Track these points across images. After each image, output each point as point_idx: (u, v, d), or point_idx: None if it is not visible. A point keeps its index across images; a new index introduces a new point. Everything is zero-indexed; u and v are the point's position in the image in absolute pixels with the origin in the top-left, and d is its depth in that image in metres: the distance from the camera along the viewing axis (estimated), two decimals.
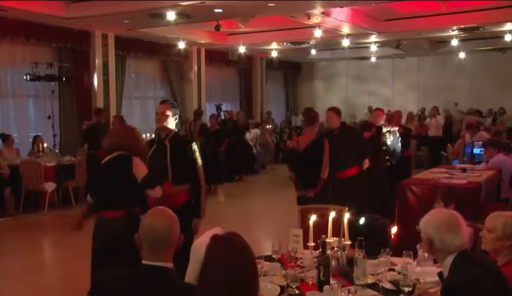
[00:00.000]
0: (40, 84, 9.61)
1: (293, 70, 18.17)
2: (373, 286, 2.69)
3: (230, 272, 1.70)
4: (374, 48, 13.75)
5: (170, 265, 2.09)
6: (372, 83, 17.24)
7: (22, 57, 9.56)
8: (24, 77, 9.13)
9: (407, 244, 3.16)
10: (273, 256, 3.12)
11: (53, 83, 9.68)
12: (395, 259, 3.02)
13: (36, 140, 9.22)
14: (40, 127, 9.97)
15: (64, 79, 9.77)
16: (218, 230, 2.62)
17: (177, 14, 8.38)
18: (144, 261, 2.06)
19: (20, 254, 6.16)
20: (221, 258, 1.72)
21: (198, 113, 10.72)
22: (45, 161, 8.41)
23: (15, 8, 8.09)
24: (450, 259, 2.24)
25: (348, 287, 2.65)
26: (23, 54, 9.59)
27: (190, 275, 2.40)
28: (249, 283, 1.74)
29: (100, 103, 10.65)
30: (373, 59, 16.12)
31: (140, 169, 3.50)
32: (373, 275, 2.78)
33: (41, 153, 8.96)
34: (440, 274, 2.32)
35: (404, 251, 2.91)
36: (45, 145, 9.31)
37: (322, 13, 8.87)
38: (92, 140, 8.66)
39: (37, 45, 9.71)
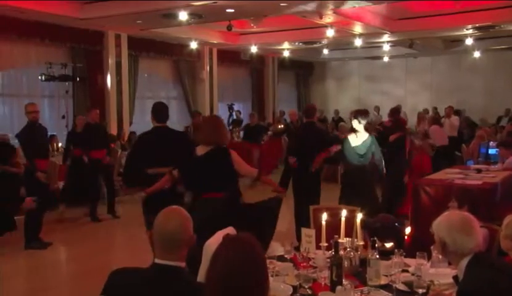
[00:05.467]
0: (54, 84, 9.70)
1: (305, 70, 18.11)
2: (386, 287, 2.67)
3: (236, 270, 1.70)
4: (386, 47, 13.67)
5: (183, 264, 2.09)
6: (385, 83, 17.12)
7: (37, 58, 9.67)
8: (40, 77, 9.23)
9: (421, 245, 3.13)
10: (285, 256, 3.11)
11: (67, 83, 9.76)
12: (409, 261, 2.99)
13: (52, 139, 9.31)
14: (55, 127, 10.07)
15: (78, 79, 9.84)
16: (230, 230, 2.63)
17: (190, 14, 8.41)
18: (156, 260, 2.07)
19: (35, 252, 6.23)
20: (228, 256, 1.72)
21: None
22: (59, 161, 8.48)
23: (30, 10, 8.19)
24: (464, 262, 2.22)
25: (361, 288, 2.64)
26: (38, 55, 9.70)
27: (202, 274, 2.40)
28: (256, 283, 1.73)
29: (113, 103, 10.73)
30: (386, 59, 16.02)
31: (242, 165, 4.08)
32: (386, 276, 2.76)
33: (55, 153, 9.05)
34: (455, 278, 2.29)
35: (418, 253, 2.88)
36: (59, 144, 9.41)
37: (334, 12, 8.83)
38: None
39: (52, 46, 9.81)
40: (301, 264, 2.86)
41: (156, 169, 4.45)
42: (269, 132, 12.21)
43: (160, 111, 4.69)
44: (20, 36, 9.14)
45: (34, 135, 6.49)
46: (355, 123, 5.90)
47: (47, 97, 10.16)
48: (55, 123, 10.11)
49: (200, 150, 4.07)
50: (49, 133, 9.66)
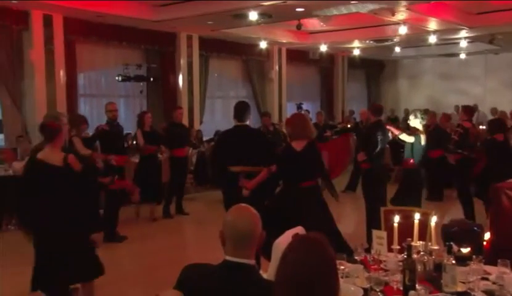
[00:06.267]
0: (130, 85, 10.18)
1: (376, 68, 17.68)
2: (464, 295, 2.53)
3: (306, 270, 1.68)
4: (463, 44, 12.97)
5: (252, 262, 2.10)
6: (461, 81, 16.27)
7: (115, 59, 10.20)
8: (117, 78, 9.71)
9: (502, 252, 2.94)
10: (356, 257, 3.05)
11: (141, 83, 10.20)
12: (489, 268, 2.82)
13: (127, 138, 9.74)
14: (130, 126, 10.55)
15: (152, 79, 10.26)
16: (299, 230, 2.61)
17: (259, 14, 8.48)
18: (227, 257, 2.09)
19: (112, 245, 6.54)
20: (296, 256, 1.71)
21: None
22: (133, 158, 8.86)
23: (110, 14, 8.65)
24: None
25: (436, 294, 2.52)
26: (116, 56, 10.23)
27: (271, 272, 2.40)
28: (326, 283, 1.70)
29: (184, 103, 11.06)
30: (462, 55, 15.24)
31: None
32: (463, 283, 2.62)
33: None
34: None
35: (499, 260, 2.70)
36: (134, 142, 9.82)
37: (407, 9, 8.53)
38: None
39: (128, 47, 10.31)
40: (372, 267, 2.78)
41: (241, 167, 4.59)
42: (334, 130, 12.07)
43: (240, 110, 4.87)
44: (101, 39, 9.68)
45: (112, 132, 6.88)
46: (416, 122, 6.04)
47: (123, 97, 10.67)
48: (130, 122, 10.58)
49: (297, 145, 4.51)
50: (125, 132, 10.21)
